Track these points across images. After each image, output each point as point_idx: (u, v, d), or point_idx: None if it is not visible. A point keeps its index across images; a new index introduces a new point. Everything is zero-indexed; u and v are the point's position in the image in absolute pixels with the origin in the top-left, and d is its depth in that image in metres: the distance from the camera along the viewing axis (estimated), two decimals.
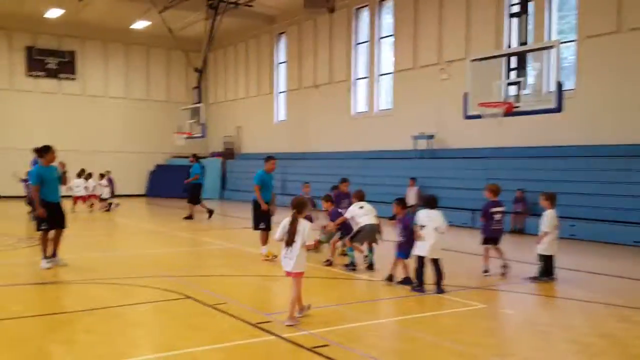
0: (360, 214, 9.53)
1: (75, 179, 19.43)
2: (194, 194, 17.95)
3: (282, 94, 28.60)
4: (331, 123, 24.88)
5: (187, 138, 26.00)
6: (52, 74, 29.06)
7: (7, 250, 11.31)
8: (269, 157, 11.02)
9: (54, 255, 9.41)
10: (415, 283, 8.07)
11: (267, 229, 10.36)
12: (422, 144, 20.39)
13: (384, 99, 23.22)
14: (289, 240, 6.24)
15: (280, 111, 28.72)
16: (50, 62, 29.08)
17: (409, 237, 8.33)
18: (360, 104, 24.22)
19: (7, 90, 27.79)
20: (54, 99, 28.99)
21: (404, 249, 8.42)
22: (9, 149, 25.75)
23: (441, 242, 8.08)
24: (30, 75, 28.54)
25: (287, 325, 6.15)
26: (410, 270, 8.33)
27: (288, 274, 6.40)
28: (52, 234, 9.37)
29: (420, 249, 8.08)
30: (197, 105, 26.08)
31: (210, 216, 17.74)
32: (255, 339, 5.87)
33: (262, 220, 10.38)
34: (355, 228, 9.58)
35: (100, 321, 6.48)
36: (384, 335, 6.30)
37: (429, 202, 8.37)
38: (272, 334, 5.95)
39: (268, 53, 28.86)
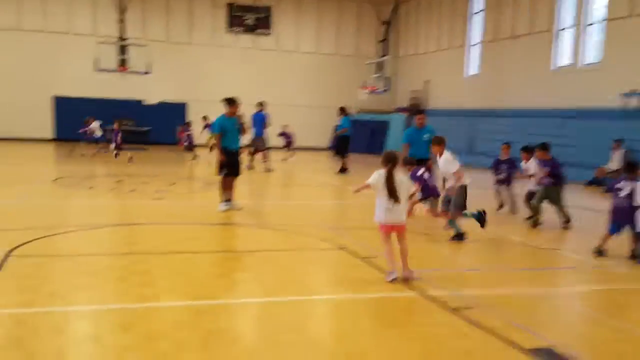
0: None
1: None
2: (342, 147, 18.27)
3: (475, 47, 27.50)
4: (529, 77, 23.39)
5: (370, 93, 26.38)
6: (249, 29, 31.39)
7: (194, 193, 12.81)
8: (418, 112, 11.01)
9: (231, 199, 10.43)
10: None
11: None
12: (634, 102, 18.25)
13: (591, 51, 21.10)
14: (392, 195, 6.27)
15: (472, 65, 27.70)
16: (248, 18, 31.38)
17: (613, 207, 7.70)
18: (563, 56, 22.34)
19: (209, 46, 30.71)
20: (250, 54, 31.34)
21: (611, 222, 7.81)
22: (208, 101, 28.59)
23: None
24: (230, 31, 31.13)
25: (406, 278, 6.27)
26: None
27: (393, 227, 6.38)
28: (230, 179, 10.40)
29: None
30: (382, 59, 26.24)
31: (341, 172, 17.94)
32: (397, 293, 5.98)
33: None
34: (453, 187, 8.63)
35: (257, 262, 7.12)
36: (538, 304, 5.98)
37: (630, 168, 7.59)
38: (414, 290, 6.01)
39: (462, 2, 27.81)
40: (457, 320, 5.19)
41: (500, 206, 11.49)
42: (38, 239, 7.62)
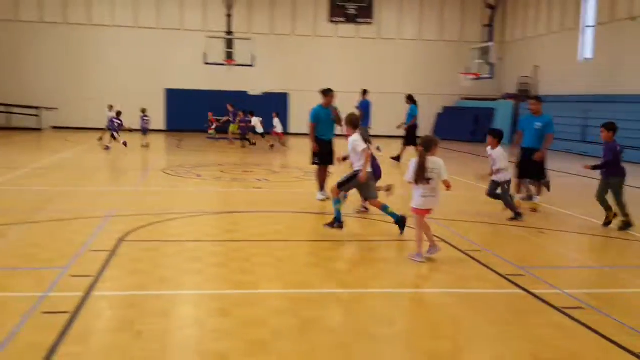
0: None
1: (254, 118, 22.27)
2: (410, 136, 17.50)
3: (589, 29, 25.79)
4: None
5: (474, 79, 25.51)
6: (351, 19, 31.31)
7: (294, 182, 12.99)
8: (530, 97, 10.41)
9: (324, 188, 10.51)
10: None
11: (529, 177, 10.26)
12: None
13: None
14: (422, 179, 6.42)
15: (586, 48, 26.01)
16: (350, 7, 31.29)
17: None
18: None
19: (311, 37, 31.00)
20: (351, 43, 31.29)
21: None
22: (309, 91, 28.90)
23: None
24: (332, 22, 31.22)
25: (420, 261, 6.48)
26: None
27: (427, 212, 6.62)
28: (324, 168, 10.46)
29: None
30: (487, 44, 25.28)
31: (396, 159, 17.30)
32: (500, 290, 5.74)
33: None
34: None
35: (353, 252, 7.10)
36: None
37: None
38: (520, 287, 5.73)
39: None
40: (565, 320, 4.90)
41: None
42: (148, 225, 8.04)
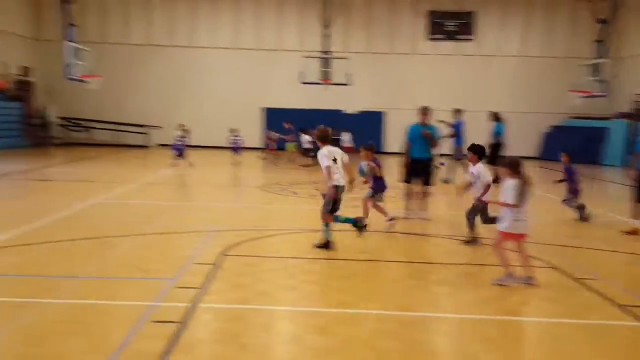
0: None
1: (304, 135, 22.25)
2: (495, 155, 16.57)
3: None
4: None
5: (585, 97, 24.37)
6: (450, 36, 30.99)
7: (389, 201, 12.91)
8: None
9: (415, 208, 10.44)
10: None
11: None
12: None
13: None
14: (522, 203, 6.23)
15: None
16: (450, 24, 31.01)
17: None
18: None
19: (409, 55, 30.92)
20: (450, 61, 30.90)
21: None
22: (406, 110, 28.78)
23: None
24: (431, 39, 31.04)
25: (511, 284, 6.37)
26: None
27: (521, 237, 6.40)
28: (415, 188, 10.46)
29: None
30: (599, 60, 24.11)
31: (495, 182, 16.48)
32: (616, 321, 5.44)
33: None
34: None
35: (453, 275, 6.93)
36: None
37: None
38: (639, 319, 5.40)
39: None
40: None
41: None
42: (248, 240, 8.31)
